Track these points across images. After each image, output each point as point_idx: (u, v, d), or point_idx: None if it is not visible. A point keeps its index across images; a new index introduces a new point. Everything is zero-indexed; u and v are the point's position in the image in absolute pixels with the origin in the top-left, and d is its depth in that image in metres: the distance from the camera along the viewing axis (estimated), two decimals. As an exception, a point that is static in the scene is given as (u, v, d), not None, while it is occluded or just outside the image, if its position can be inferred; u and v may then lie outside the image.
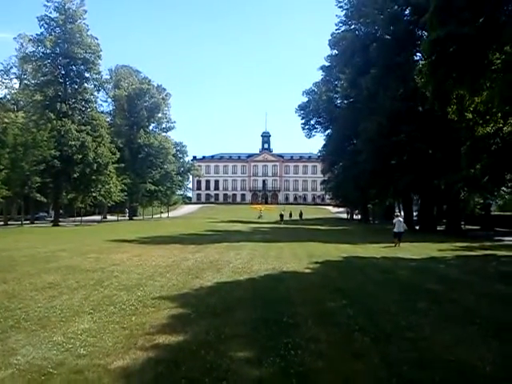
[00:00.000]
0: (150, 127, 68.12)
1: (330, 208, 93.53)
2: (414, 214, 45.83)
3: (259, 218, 66.23)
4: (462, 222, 38.40)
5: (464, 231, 35.45)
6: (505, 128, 21.72)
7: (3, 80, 52.48)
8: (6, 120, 42.53)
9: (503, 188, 31.78)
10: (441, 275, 11.87)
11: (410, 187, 37.16)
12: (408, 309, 7.62)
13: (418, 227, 38.67)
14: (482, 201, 37.82)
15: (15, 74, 53.89)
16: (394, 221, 22.02)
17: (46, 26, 44.59)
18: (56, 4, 44.49)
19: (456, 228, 34.83)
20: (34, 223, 46.48)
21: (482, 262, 15.27)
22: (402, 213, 40.79)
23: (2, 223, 42.95)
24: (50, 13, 44.65)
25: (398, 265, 13.90)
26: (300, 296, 8.65)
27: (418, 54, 37.21)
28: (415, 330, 6.22)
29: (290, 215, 69.20)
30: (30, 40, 45.85)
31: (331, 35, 52.88)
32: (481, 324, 6.60)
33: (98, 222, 54.55)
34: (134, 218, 65.97)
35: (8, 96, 53.61)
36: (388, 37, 37.69)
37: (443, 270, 13.16)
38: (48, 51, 44.86)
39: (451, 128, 27.60)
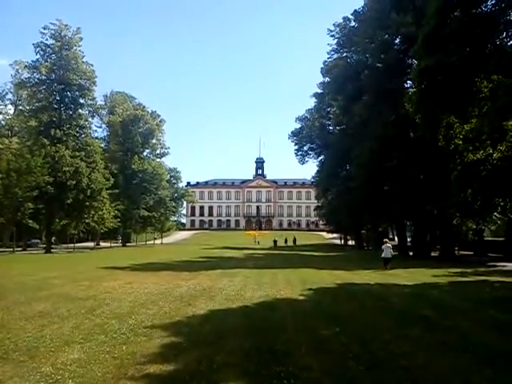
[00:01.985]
0: (144, 153, 68.32)
1: (324, 234, 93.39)
2: (408, 239, 45.80)
3: (258, 243, 66.86)
4: (456, 248, 38.41)
5: (458, 257, 35.44)
6: (494, 154, 21.98)
7: (-2, 106, 52.85)
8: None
9: (495, 213, 31.92)
10: (435, 301, 11.82)
11: (403, 213, 37.28)
12: (402, 336, 7.57)
13: (411, 253, 38.67)
14: (474, 226, 37.94)
15: (10, 99, 54.46)
16: (383, 247, 23.00)
17: (41, 52, 45.27)
18: (52, 31, 45.33)
19: (450, 253, 34.82)
20: (26, 250, 46.01)
21: (476, 288, 15.22)
22: (396, 238, 40.88)
23: (-7, 250, 42.41)
24: (47, 40, 45.58)
25: (391, 291, 13.83)
26: (293, 323, 8.57)
27: (408, 81, 37.88)
28: (409, 358, 6.16)
29: (286, 241, 69.10)
30: (26, 66, 46.37)
31: (323, 63, 54.37)
32: (475, 351, 6.56)
33: (91, 248, 54.01)
34: (128, 244, 65.46)
35: (2, 122, 53.84)
36: (379, 64, 38.42)
37: (437, 296, 13.10)
38: (43, 77, 45.41)
39: (442, 154, 27.88)
